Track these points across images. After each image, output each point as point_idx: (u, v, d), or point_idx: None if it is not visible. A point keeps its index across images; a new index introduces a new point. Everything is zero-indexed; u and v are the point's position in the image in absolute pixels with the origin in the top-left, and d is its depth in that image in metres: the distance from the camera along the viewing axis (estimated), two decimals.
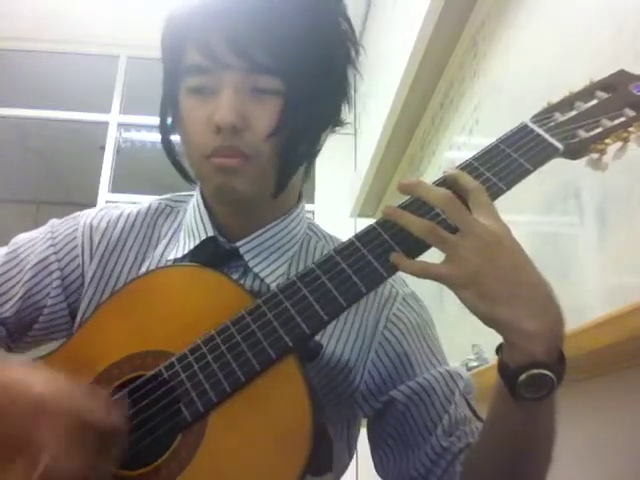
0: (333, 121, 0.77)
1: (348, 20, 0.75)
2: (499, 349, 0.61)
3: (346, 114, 0.79)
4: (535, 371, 0.56)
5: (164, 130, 0.76)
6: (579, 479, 1.03)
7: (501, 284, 0.57)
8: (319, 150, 0.79)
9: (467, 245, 0.58)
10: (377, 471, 0.79)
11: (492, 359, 1.35)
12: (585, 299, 1.03)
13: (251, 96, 0.68)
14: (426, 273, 0.59)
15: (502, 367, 0.59)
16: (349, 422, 0.81)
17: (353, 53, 0.75)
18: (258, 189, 0.71)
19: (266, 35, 0.66)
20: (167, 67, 0.74)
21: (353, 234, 0.65)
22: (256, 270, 0.75)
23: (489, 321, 0.58)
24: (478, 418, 0.74)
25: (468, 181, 0.62)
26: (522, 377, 0.56)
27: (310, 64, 0.68)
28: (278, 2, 0.68)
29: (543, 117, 0.69)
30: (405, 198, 0.64)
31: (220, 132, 0.67)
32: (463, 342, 1.46)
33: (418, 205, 0.62)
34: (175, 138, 0.76)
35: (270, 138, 0.68)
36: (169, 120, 0.76)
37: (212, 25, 0.67)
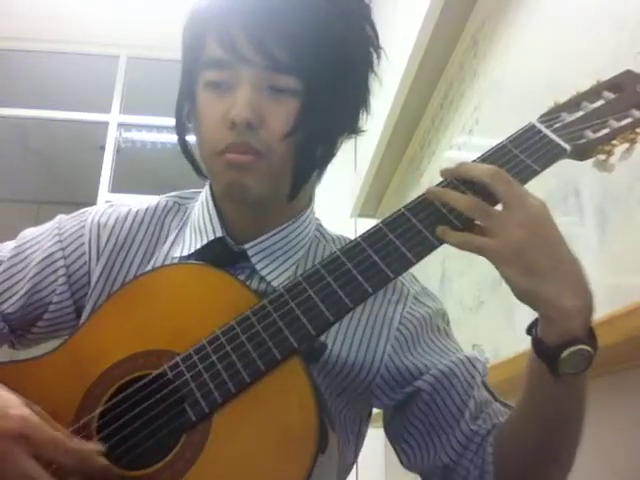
0: (350, 127, 0.76)
1: (373, 26, 0.74)
2: (532, 327, 0.62)
3: (364, 121, 0.78)
4: (576, 347, 0.57)
5: (180, 128, 0.75)
6: (579, 479, 1.03)
7: (544, 259, 0.57)
8: (335, 154, 0.78)
9: (512, 219, 0.58)
10: (402, 463, 0.79)
11: (493, 359, 1.35)
12: None
13: (268, 94, 0.68)
14: (469, 244, 0.60)
15: (538, 344, 0.60)
16: (361, 422, 0.81)
17: (376, 60, 0.75)
18: (270, 189, 0.71)
19: (287, 34, 0.67)
20: (186, 62, 0.73)
21: (353, 234, 0.65)
22: (263, 273, 0.75)
23: (530, 296, 0.58)
24: (496, 400, 0.75)
25: (486, 168, 0.62)
26: (565, 354, 0.57)
27: (329, 66, 0.68)
28: (301, 3, 0.68)
29: (550, 117, 0.69)
30: (406, 199, 0.64)
31: (234, 128, 0.67)
32: (464, 342, 1.45)
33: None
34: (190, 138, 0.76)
35: (285, 139, 0.68)
36: (185, 117, 0.75)
37: (234, 21, 0.68)
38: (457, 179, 0.63)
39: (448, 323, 0.82)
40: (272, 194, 0.72)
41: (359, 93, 0.75)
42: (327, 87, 0.69)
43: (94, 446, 0.58)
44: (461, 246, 0.60)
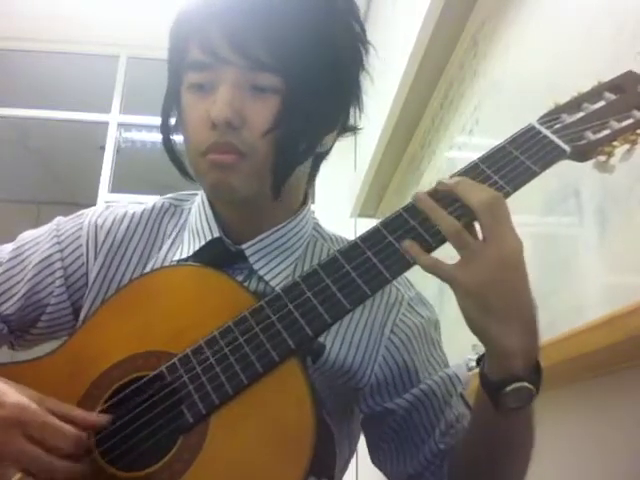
0: (339, 123, 0.76)
1: (359, 21, 0.74)
2: (480, 360, 0.63)
3: (358, 119, 0.77)
4: (517, 385, 0.58)
5: (165, 129, 0.75)
6: (580, 479, 1.03)
7: (503, 303, 0.58)
8: (326, 153, 0.78)
9: (487, 257, 0.58)
10: (374, 464, 0.81)
11: None
12: (585, 299, 1.03)
13: (250, 93, 0.68)
14: (436, 270, 0.60)
15: (483, 377, 0.62)
16: (349, 417, 0.82)
17: (364, 56, 0.74)
18: (255, 187, 0.70)
19: (267, 33, 0.66)
20: (171, 64, 0.74)
21: (353, 234, 0.65)
22: (261, 273, 0.75)
23: (479, 331, 0.60)
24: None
25: (483, 198, 0.60)
26: (506, 390, 0.58)
27: (312, 63, 0.68)
28: (284, 3, 0.67)
29: (550, 118, 0.69)
30: (406, 199, 0.64)
31: (216, 128, 0.67)
32: (463, 342, 1.45)
33: (436, 198, 0.62)
34: (178, 138, 0.76)
35: (267, 135, 0.68)
36: (171, 119, 0.75)
37: (214, 22, 0.68)
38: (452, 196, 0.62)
39: (440, 333, 0.83)
40: (258, 193, 0.72)
41: (346, 90, 0.74)
42: (309, 84, 0.68)
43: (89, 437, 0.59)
44: (428, 270, 0.60)
